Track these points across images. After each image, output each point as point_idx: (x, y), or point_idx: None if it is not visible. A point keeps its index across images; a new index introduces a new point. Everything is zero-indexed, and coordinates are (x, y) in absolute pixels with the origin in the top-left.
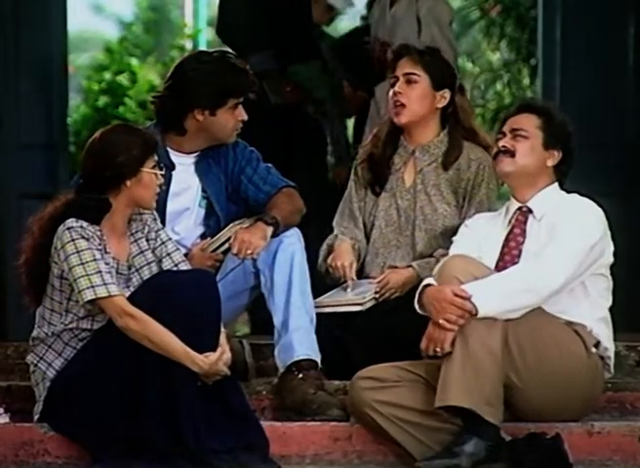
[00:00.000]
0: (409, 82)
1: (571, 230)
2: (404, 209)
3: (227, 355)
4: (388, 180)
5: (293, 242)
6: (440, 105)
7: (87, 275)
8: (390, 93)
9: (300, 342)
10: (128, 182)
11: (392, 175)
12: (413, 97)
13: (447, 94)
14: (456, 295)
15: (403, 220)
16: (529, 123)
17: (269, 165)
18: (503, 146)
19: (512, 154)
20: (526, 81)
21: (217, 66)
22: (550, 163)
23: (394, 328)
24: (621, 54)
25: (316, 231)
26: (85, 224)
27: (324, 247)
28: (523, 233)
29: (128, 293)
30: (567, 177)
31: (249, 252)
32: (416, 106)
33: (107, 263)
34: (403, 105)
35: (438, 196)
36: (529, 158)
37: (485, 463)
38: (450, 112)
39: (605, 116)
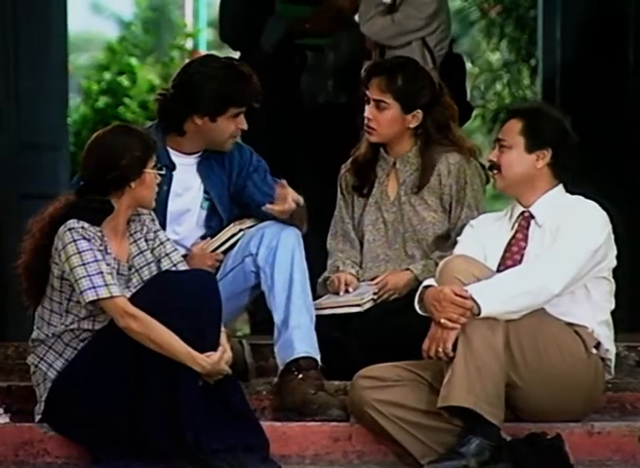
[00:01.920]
0: (378, 106)
1: (574, 233)
2: (391, 222)
3: (229, 354)
4: (373, 192)
5: (292, 241)
6: (412, 126)
7: (88, 276)
8: (365, 112)
9: (301, 340)
10: (132, 184)
11: (376, 188)
12: (382, 122)
13: (419, 114)
14: (456, 295)
15: (391, 234)
16: (511, 130)
17: (276, 179)
18: (490, 161)
19: (499, 168)
20: (526, 81)
21: (222, 73)
22: (540, 164)
23: (393, 329)
24: (621, 54)
25: (316, 234)
26: (86, 225)
27: (322, 277)
28: (525, 238)
29: (128, 294)
30: (570, 175)
31: (289, 203)
32: (386, 130)
33: (109, 264)
34: (374, 128)
35: (423, 205)
36: (515, 168)
37: (489, 464)
38: (420, 133)
39: (605, 116)
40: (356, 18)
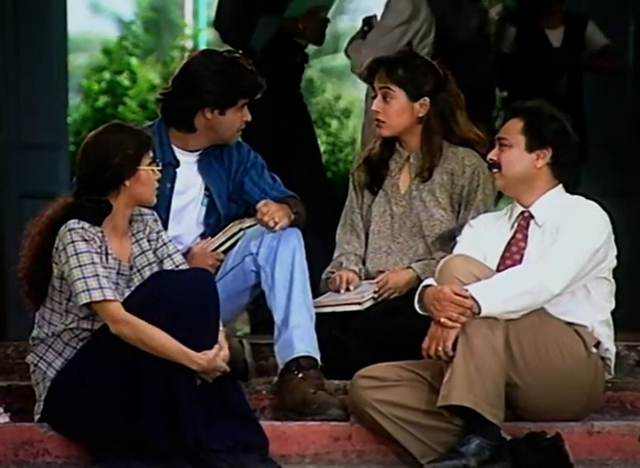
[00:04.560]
0: (385, 97)
1: (574, 234)
2: (399, 215)
3: (225, 352)
4: (384, 184)
5: (293, 241)
6: (421, 114)
7: (84, 278)
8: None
9: (301, 339)
10: (127, 182)
11: (388, 181)
12: (391, 113)
13: (426, 101)
14: (456, 294)
15: (397, 227)
16: (512, 129)
17: (273, 174)
18: (491, 159)
19: (500, 167)
20: None
21: (229, 66)
22: (540, 164)
23: (393, 328)
24: (621, 53)
25: (314, 234)
26: (87, 226)
27: (325, 273)
28: (525, 238)
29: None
30: (570, 175)
31: (276, 220)
32: (395, 121)
33: (106, 267)
34: (383, 121)
35: (434, 202)
36: (515, 167)
37: (489, 463)
38: (424, 119)
39: (605, 116)
40: None
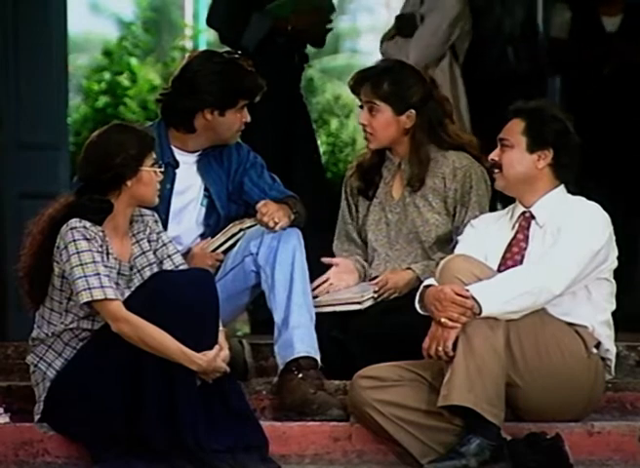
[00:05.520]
0: (371, 110)
1: (575, 235)
2: (394, 222)
3: (225, 352)
4: (378, 192)
5: (293, 241)
6: (408, 126)
7: (85, 277)
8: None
9: (301, 339)
10: (128, 182)
11: (381, 189)
12: (376, 126)
13: (412, 114)
14: (456, 294)
15: (393, 234)
16: (513, 130)
17: (273, 174)
18: (492, 160)
19: (501, 167)
20: None
21: (228, 67)
22: (541, 165)
23: (393, 328)
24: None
25: (315, 234)
26: (88, 225)
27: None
28: (526, 239)
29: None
30: (572, 175)
31: (275, 220)
32: (382, 134)
33: (107, 266)
34: (371, 134)
35: (427, 206)
36: (516, 167)
37: (489, 463)
38: (411, 133)
39: (605, 116)
40: None
